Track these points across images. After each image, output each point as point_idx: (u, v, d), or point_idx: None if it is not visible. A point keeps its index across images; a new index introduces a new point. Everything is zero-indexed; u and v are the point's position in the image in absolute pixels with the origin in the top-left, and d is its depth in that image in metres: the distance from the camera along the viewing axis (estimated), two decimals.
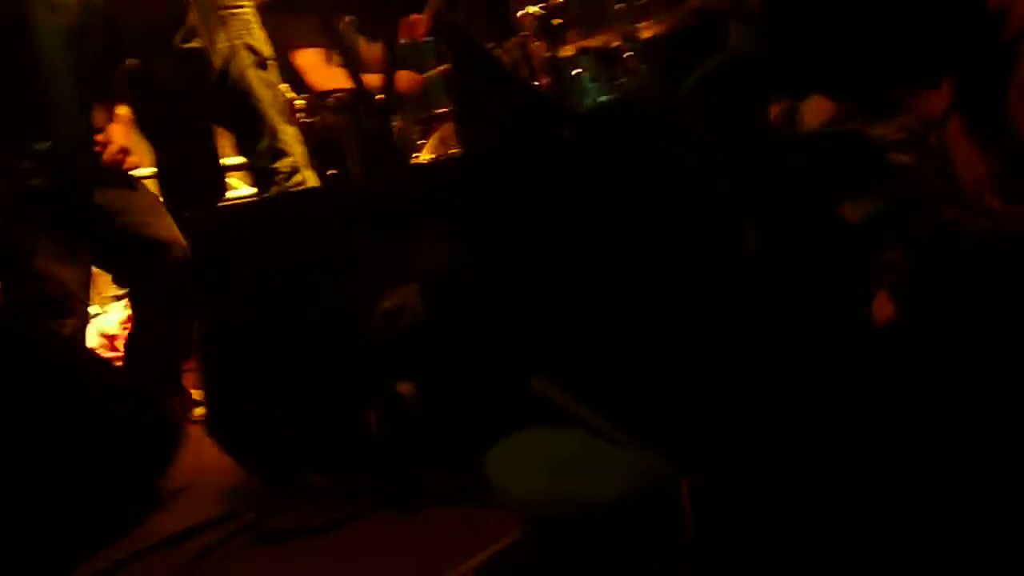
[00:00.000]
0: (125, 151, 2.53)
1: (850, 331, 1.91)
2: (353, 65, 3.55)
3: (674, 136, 1.72)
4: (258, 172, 2.74)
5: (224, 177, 2.99)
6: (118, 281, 2.85)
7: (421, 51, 4.22)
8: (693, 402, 1.47)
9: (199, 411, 2.36)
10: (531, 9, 4.04)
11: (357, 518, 1.58)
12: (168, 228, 2.47)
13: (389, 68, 3.44)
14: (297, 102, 3.74)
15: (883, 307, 2.27)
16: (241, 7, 2.72)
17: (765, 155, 1.86)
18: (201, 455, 1.94)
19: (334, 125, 3.65)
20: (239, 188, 3.44)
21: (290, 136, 2.83)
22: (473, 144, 1.72)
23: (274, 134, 2.77)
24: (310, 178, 2.83)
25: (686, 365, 1.55)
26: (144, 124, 2.80)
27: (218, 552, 1.56)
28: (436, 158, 3.36)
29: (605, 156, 1.60)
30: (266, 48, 2.81)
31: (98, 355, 2.43)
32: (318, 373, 1.69)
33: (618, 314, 1.60)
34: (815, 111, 2.65)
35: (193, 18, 2.68)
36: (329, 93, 3.71)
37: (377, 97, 3.51)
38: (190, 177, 2.82)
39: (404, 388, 1.61)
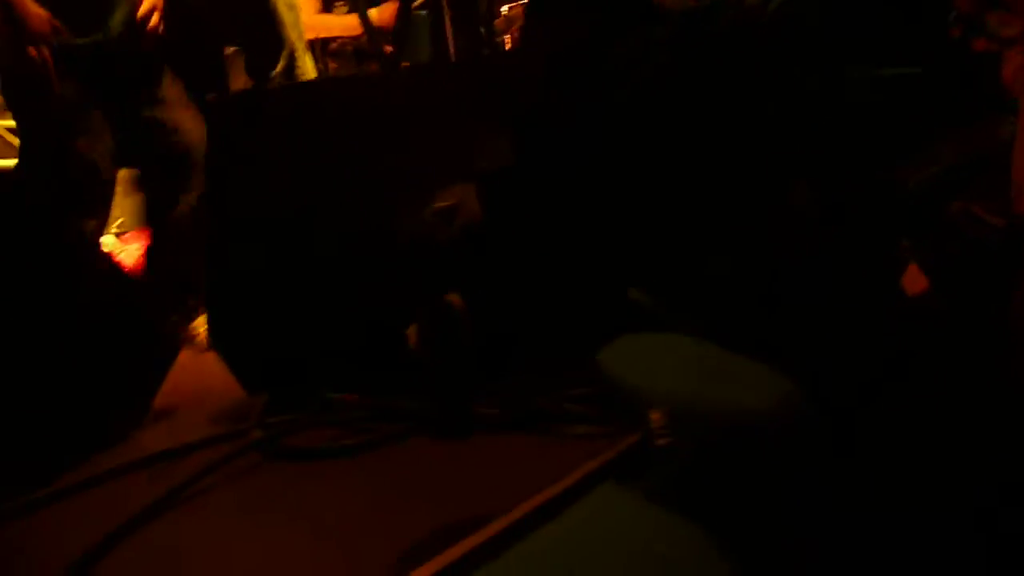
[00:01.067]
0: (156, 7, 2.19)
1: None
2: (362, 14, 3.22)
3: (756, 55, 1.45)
4: None
5: None
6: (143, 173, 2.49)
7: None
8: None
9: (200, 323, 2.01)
10: None
11: (390, 442, 1.27)
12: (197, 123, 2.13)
13: (402, 23, 3.11)
14: None
15: (915, 279, 2.01)
16: None
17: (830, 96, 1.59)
18: (206, 377, 1.61)
19: (336, 71, 3.33)
20: None
21: (307, 63, 2.51)
22: (550, 35, 1.42)
23: (292, 57, 2.45)
24: None
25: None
26: None
27: (222, 471, 1.23)
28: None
29: (697, 61, 1.32)
30: None
31: (107, 255, 2.05)
32: (350, 278, 1.38)
33: (688, 224, 1.32)
34: None
35: None
36: (332, 39, 3.38)
37: (386, 49, 3.19)
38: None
39: (452, 298, 1.30)
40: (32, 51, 1.92)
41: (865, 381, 1.22)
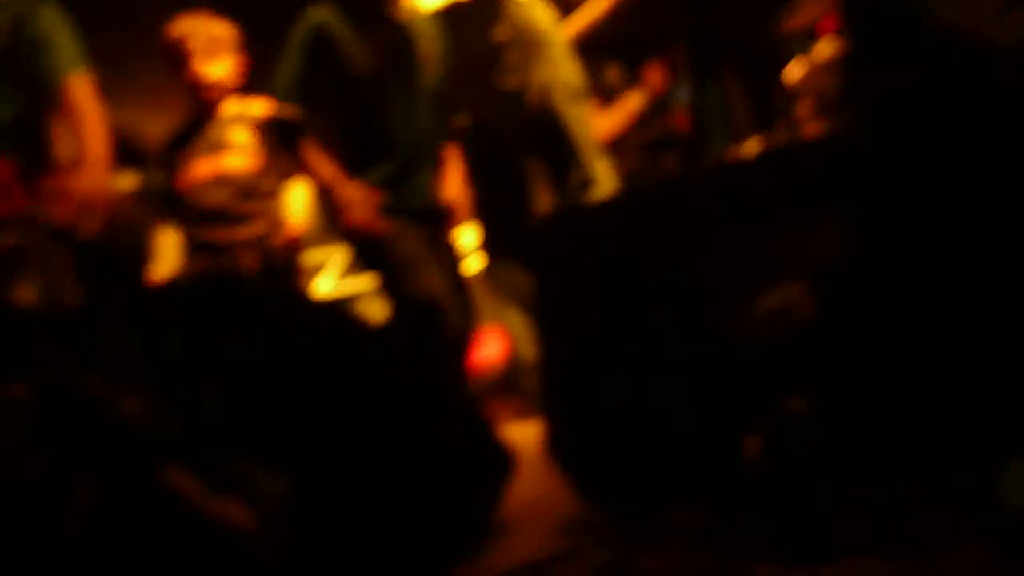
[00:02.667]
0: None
1: None
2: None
3: None
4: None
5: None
6: None
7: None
8: None
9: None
10: None
11: (739, 567, 1.17)
12: None
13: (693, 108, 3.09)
14: None
15: None
16: (554, 42, 2.51)
17: None
18: (538, 485, 1.63)
19: (627, 172, 3.37)
20: None
21: (602, 169, 2.55)
22: (870, 100, 1.30)
23: (587, 167, 2.51)
24: None
25: None
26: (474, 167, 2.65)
27: None
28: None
29: None
30: (578, 81, 2.58)
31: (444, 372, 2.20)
32: (683, 388, 1.32)
33: None
34: None
35: (512, 57, 2.50)
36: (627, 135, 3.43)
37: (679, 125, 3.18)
38: (509, 215, 2.62)
39: (795, 405, 1.20)
40: None
41: None
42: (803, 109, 3.04)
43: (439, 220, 2.46)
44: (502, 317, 2.66)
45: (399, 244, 2.31)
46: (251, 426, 1.07)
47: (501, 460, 1.57)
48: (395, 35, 2.38)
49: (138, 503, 0.93)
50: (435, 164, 2.48)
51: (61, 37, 2.23)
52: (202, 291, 1.22)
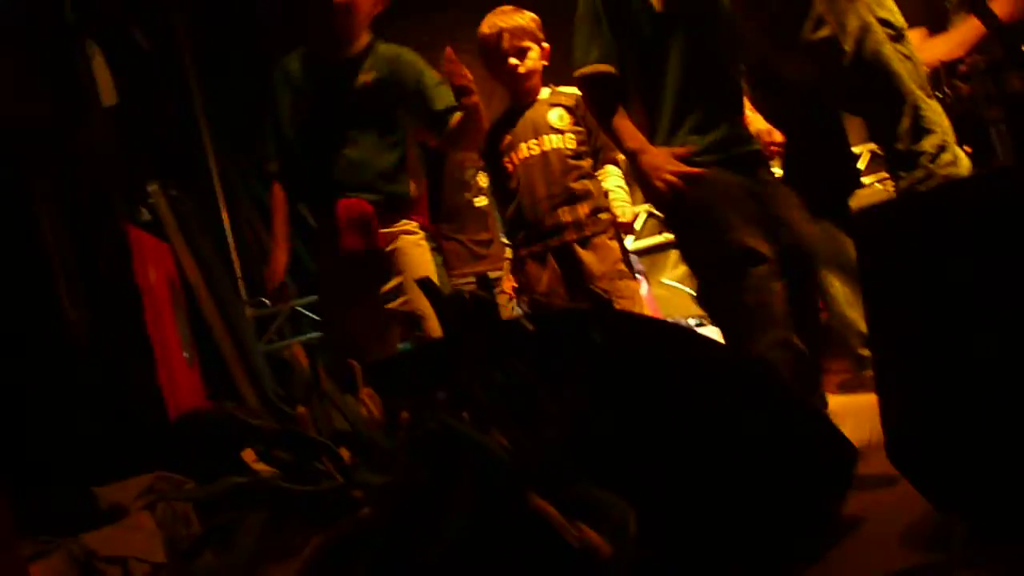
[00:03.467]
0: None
1: None
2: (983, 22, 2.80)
3: None
4: (898, 156, 2.26)
5: (857, 169, 2.55)
6: None
7: None
8: None
9: None
10: None
11: None
12: None
13: None
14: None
15: None
16: None
17: None
18: (876, 480, 1.52)
19: (968, 96, 2.93)
20: None
21: (934, 112, 2.29)
22: None
23: (916, 111, 2.28)
24: (961, 157, 2.24)
25: None
26: (773, 121, 2.51)
27: None
28: None
29: None
30: (899, 19, 2.32)
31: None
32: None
33: None
34: None
35: (819, 6, 2.31)
36: (959, 61, 3.00)
37: None
38: (822, 172, 2.45)
39: None
40: None
41: None
42: None
43: (757, 164, 2.28)
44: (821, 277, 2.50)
45: (710, 200, 2.16)
46: (602, 453, 1.12)
47: (842, 454, 1.49)
48: None
49: (505, 527, 1.02)
50: (737, 107, 2.30)
51: (436, 78, 2.53)
52: (549, 322, 1.30)
